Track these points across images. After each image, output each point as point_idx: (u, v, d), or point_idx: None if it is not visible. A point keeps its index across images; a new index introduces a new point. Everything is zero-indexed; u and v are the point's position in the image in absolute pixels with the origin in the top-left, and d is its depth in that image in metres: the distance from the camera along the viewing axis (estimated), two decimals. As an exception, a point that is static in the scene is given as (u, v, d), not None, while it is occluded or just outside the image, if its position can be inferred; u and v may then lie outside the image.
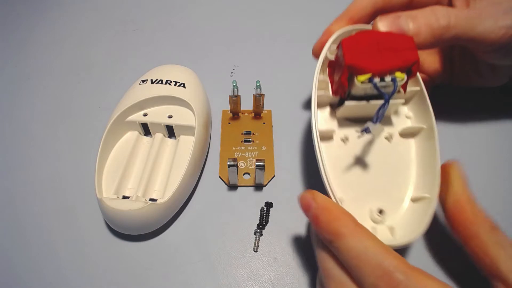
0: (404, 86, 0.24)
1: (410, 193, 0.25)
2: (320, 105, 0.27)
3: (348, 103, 0.24)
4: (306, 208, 0.21)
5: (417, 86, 0.26)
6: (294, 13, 0.43)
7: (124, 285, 0.26)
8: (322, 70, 0.26)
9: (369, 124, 0.22)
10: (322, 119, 0.27)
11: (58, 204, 0.30)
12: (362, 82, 0.22)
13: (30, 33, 0.42)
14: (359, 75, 0.22)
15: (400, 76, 0.22)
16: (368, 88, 0.23)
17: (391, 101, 0.23)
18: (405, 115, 0.27)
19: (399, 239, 0.22)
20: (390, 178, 0.25)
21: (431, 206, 0.23)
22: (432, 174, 0.24)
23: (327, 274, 0.20)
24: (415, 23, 0.24)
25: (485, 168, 0.31)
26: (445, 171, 0.23)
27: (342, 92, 0.25)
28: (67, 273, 0.27)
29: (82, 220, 0.29)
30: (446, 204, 0.23)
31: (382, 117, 0.22)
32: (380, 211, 0.24)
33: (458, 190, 0.23)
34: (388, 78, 0.22)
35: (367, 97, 0.24)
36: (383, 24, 0.24)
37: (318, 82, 0.25)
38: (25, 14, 0.44)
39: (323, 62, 0.26)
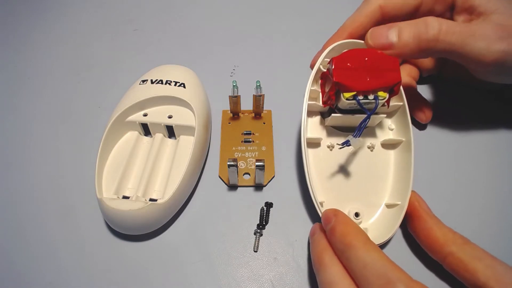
0: (388, 102, 0.26)
1: (385, 199, 0.27)
2: (311, 113, 0.29)
3: (334, 115, 0.27)
4: (327, 221, 0.23)
5: (401, 101, 0.28)
6: (294, 13, 0.43)
7: (124, 285, 0.26)
8: (315, 80, 0.28)
9: (349, 138, 0.25)
10: (312, 125, 0.29)
11: (58, 204, 0.30)
12: (347, 99, 0.24)
13: (30, 33, 0.42)
14: (345, 92, 0.24)
15: (383, 95, 0.24)
16: (353, 103, 0.25)
17: (374, 116, 0.26)
18: (388, 127, 0.30)
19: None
20: (368, 185, 0.28)
21: (402, 213, 0.25)
22: (405, 183, 0.26)
23: (332, 280, 0.21)
24: (404, 34, 0.24)
25: (483, 170, 0.31)
26: (410, 204, 0.25)
27: (330, 104, 0.27)
28: (67, 273, 0.27)
29: (82, 220, 0.29)
30: (417, 234, 0.25)
31: (362, 132, 0.24)
32: (357, 214, 0.26)
33: (423, 218, 0.25)
34: (371, 96, 0.24)
35: (353, 111, 0.26)
36: (371, 39, 0.25)
37: (310, 92, 0.27)
38: (25, 14, 0.44)
39: (316, 73, 0.28)
